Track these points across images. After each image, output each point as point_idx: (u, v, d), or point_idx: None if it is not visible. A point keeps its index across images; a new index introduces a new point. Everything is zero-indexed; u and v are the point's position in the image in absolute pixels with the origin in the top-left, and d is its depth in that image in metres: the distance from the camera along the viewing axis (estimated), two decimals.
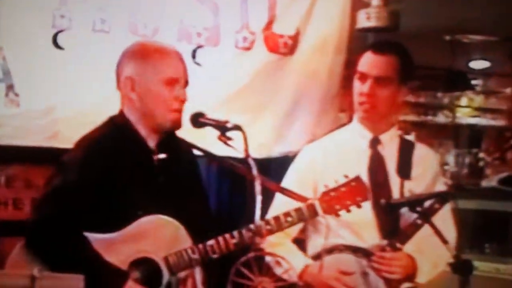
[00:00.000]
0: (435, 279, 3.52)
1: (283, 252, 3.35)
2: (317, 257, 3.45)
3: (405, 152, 3.58)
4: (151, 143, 3.16)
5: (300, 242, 3.62)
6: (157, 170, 3.15)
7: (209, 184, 4.37)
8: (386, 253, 3.36)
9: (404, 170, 3.52)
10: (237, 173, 3.20)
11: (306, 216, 3.16)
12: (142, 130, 3.15)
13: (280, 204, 3.37)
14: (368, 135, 3.58)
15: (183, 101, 3.12)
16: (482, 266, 5.59)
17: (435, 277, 3.52)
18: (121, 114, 3.18)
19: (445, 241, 3.14)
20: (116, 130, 3.16)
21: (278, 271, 3.15)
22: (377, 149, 3.57)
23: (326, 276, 3.35)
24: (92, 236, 2.98)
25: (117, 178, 3.05)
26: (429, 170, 3.60)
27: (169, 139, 3.18)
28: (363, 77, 3.51)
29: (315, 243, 3.53)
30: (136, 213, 3.03)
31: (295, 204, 3.22)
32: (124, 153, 3.11)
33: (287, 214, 3.13)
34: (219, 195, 4.62)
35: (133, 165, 3.11)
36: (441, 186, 3.57)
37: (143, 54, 3.13)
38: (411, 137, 3.73)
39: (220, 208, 4.52)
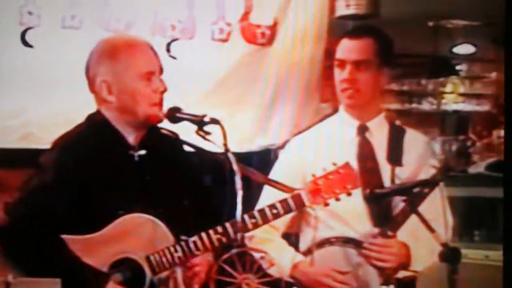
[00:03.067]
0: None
1: (272, 249, 3.35)
2: (308, 252, 3.42)
3: (396, 138, 3.55)
4: (132, 140, 3.10)
5: (290, 237, 3.58)
6: (138, 167, 3.10)
7: None
8: (376, 240, 3.33)
9: (395, 156, 3.49)
10: (220, 167, 3.12)
11: (293, 208, 3.08)
12: (121, 128, 3.09)
13: (269, 196, 3.30)
14: (355, 123, 3.55)
15: (163, 92, 3.06)
16: (472, 254, 5.58)
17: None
18: (99, 112, 3.12)
19: (432, 230, 3.10)
20: (94, 128, 3.10)
21: (264, 266, 3.08)
22: (365, 136, 3.54)
23: (317, 273, 3.34)
24: (69, 238, 2.92)
25: (96, 177, 2.99)
26: (419, 155, 3.57)
27: (151, 134, 3.13)
28: (342, 64, 3.49)
29: (306, 237, 3.50)
30: (116, 213, 2.96)
31: (284, 195, 3.14)
32: (103, 151, 3.04)
33: (272, 206, 3.05)
34: None
35: (112, 163, 3.05)
36: (429, 169, 3.50)
37: (112, 53, 3.05)
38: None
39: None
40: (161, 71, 3.08)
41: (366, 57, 3.47)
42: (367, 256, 3.32)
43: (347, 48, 3.50)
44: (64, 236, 2.91)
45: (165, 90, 3.06)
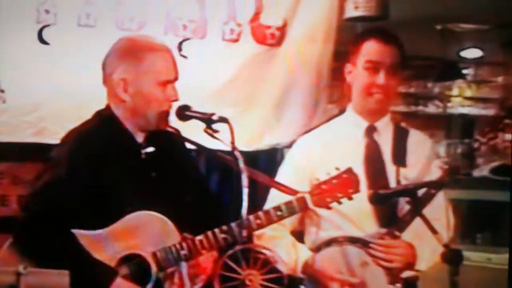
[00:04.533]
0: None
1: (282, 246, 3.42)
2: (316, 249, 3.46)
3: (400, 139, 3.57)
4: (139, 137, 3.17)
5: (298, 235, 3.61)
6: (146, 164, 3.16)
7: None
8: (384, 241, 3.36)
9: (399, 157, 3.52)
10: (226, 165, 3.19)
11: (297, 210, 3.17)
12: (130, 126, 3.15)
13: (276, 197, 3.35)
14: (363, 124, 3.58)
15: (173, 101, 3.13)
16: (474, 256, 5.61)
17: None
18: (108, 108, 3.18)
19: (434, 231, 3.12)
20: (103, 124, 3.16)
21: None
22: (373, 137, 3.57)
23: (329, 271, 3.36)
24: (80, 233, 2.99)
25: (105, 174, 3.05)
26: (423, 156, 3.59)
27: (157, 133, 3.18)
28: (375, 66, 3.48)
29: (313, 236, 3.54)
30: (123, 209, 3.03)
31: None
32: (111, 148, 3.11)
33: (277, 208, 3.13)
34: None
35: (120, 160, 3.11)
36: (435, 171, 3.54)
37: (135, 54, 3.11)
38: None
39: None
40: (176, 80, 3.15)
41: (397, 64, 3.49)
42: (374, 256, 3.35)
43: (380, 51, 3.48)
44: (75, 231, 2.98)
45: (176, 100, 3.13)
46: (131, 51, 3.12)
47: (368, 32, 3.63)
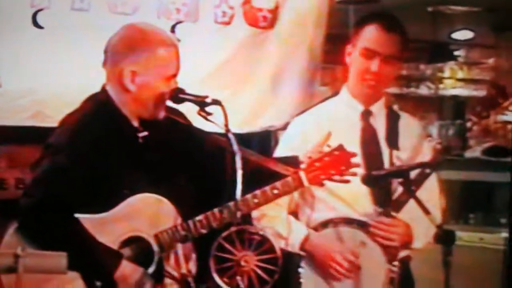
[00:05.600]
0: (419, 249, 3.57)
1: (281, 225, 3.45)
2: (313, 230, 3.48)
3: (392, 123, 3.61)
4: (135, 121, 3.19)
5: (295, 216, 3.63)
6: (143, 147, 3.19)
7: None
8: (385, 219, 3.39)
9: (392, 140, 3.56)
10: (221, 148, 3.20)
11: (292, 188, 3.21)
12: (126, 110, 3.17)
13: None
14: (360, 107, 3.60)
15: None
16: (467, 236, 5.64)
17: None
18: (104, 91, 3.19)
19: (427, 212, 3.15)
20: (100, 109, 3.17)
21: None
22: (369, 121, 3.60)
23: (328, 248, 3.39)
24: (82, 217, 3.01)
25: (104, 158, 3.07)
26: (414, 138, 3.63)
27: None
28: (371, 54, 3.49)
29: (306, 217, 3.56)
30: (123, 192, 3.07)
31: None
32: (110, 133, 3.12)
33: (273, 187, 3.17)
34: None
35: (118, 144, 3.13)
36: (428, 151, 3.58)
37: (146, 48, 3.12)
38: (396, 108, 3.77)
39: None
40: (178, 72, 3.18)
41: (396, 53, 3.50)
42: (375, 234, 3.39)
43: (378, 40, 3.48)
44: (78, 216, 3.00)
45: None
46: (141, 44, 3.13)
47: (372, 16, 3.60)
